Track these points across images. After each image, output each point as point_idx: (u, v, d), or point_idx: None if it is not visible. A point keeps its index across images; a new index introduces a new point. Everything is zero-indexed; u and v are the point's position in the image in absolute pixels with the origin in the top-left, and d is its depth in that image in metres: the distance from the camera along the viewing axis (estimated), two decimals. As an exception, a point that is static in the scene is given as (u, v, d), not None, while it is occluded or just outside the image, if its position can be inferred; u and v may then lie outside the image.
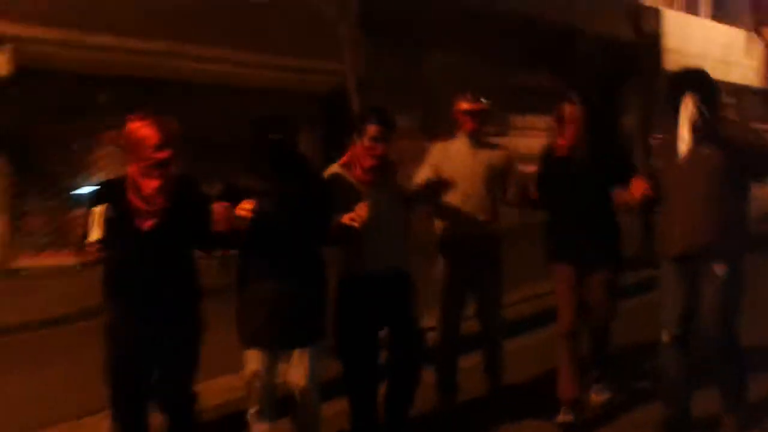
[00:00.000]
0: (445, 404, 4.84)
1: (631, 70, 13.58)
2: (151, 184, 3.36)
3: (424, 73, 13.10)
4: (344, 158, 4.11)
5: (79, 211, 9.49)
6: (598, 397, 4.81)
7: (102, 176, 9.76)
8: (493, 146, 4.83)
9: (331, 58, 9.09)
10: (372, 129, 3.96)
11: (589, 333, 4.70)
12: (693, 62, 5.14)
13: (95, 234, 3.17)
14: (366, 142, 3.96)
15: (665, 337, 4.01)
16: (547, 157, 4.65)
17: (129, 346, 3.44)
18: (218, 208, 3.39)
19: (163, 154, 3.33)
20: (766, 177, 3.94)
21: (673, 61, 16.05)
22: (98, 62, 9.05)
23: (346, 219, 3.69)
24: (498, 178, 4.69)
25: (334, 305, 4.06)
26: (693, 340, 4.01)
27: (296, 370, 3.71)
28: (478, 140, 4.71)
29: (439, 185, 4.60)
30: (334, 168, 4.10)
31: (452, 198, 4.63)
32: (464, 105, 4.63)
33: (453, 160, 4.63)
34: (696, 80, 3.77)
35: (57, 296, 7.87)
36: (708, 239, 3.71)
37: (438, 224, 4.78)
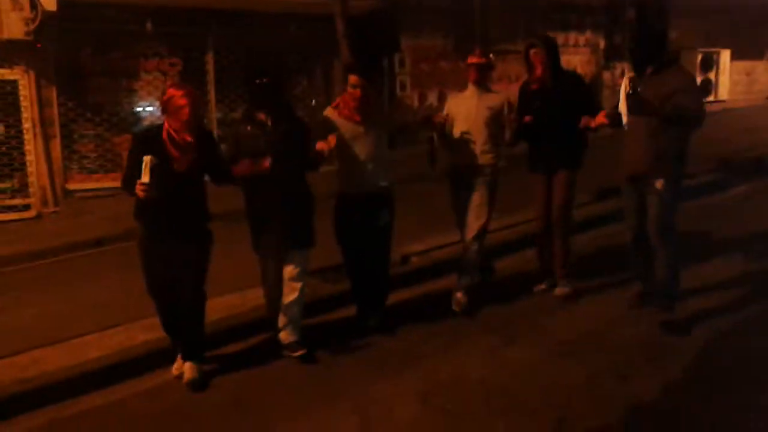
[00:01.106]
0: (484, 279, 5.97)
1: None
2: (185, 138, 4.26)
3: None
4: (336, 101, 5.06)
5: (123, 138, 10.14)
6: (561, 291, 5.74)
7: (146, 103, 10.43)
8: (495, 92, 5.57)
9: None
10: (352, 78, 4.87)
11: (554, 230, 5.62)
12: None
13: (145, 178, 4.01)
14: (349, 88, 4.89)
15: (628, 237, 5.30)
16: (524, 92, 5.61)
17: (159, 256, 4.40)
18: (238, 168, 4.51)
19: (192, 124, 4.25)
20: (693, 127, 4.77)
21: None
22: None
23: (318, 146, 4.60)
24: (497, 119, 5.43)
25: (333, 213, 5.16)
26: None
27: (287, 270, 4.77)
28: (482, 88, 5.48)
29: (442, 124, 5.43)
30: (328, 110, 5.07)
31: (458, 134, 5.45)
32: (471, 59, 5.44)
33: (461, 105, 5.50)
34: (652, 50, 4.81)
35: (109, 216, 8.46)
36: (649, 165, 4.86)
37: (447, 155, 5.59)
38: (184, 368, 4.55)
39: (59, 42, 9.26)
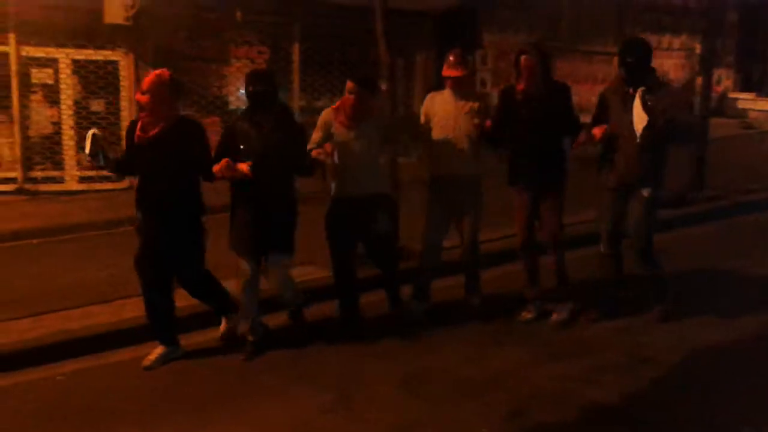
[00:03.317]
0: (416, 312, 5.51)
1: None
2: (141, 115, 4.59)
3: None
4: (337, 103, 5.00)
5: (211, 119, 10.71)
6: (558, 316, 5.35)
7: (233, 89, 11.00)
8: (472, 95, 5.31)
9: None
10: (349, 84, 4.87)
11: (549, 251, 5.40)
12: None
13: (87, 149, 4.46)
14: (346, 93, 4.89)
15: (602, 249, 5.32)
16: (507, 98, 5.25)
17: (148, 237, 4.65)
18: (218, 168, 4.43)
19: (142, 98, 4.45)
20: (685, 142, 5.11)
21: None
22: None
23: (314, 153, 4.67)
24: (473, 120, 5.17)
25: (326, 215, 5.10)
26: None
27: (273, 277, 4.87)
28: (459, 92, 5.19)
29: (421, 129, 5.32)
30: (328, 111, 5.04)
31: (437, 140, 5.24)
32: (446, 70, 5.14)
33: (438, 108, 5.25)
34: (644, 64, 4.93)
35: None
36: (640, 175, 4.98)
37: (427, 161, 5.42)
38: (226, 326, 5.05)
39: (156, 27, 9.91)
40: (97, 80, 10.10)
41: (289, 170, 4.75)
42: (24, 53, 9.70)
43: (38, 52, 9.82)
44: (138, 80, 10.07)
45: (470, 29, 12.06)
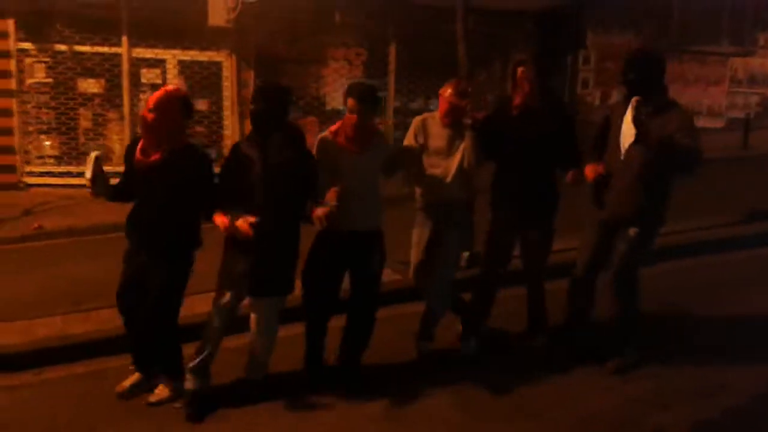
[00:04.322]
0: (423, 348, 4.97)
1: None
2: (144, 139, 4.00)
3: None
4: (336, 125, 4.36)
5: (308, 120, 10.96)
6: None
7: (330, 90, 11.19)
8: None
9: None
10: (350, 102, 4.18)
11: (528, 286, 5.00)
12: None
13: (87, 173, 3.95)
14: (347, 112, 4.24)
15: (578, 273, 4.77)
16: (501, 110, 4.81)
17: (131, 265, 4.13)
18: (219, 220, 3.91)
19: (148, 116, 3.87)
20: (689, 171, 4.23)
21: None
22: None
23: (315, 215, 3.93)
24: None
25: (310, 247, 4.37)
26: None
27: (255, 314, 4.21)
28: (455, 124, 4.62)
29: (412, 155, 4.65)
30: (325, 134, 4.37)
31: (427, 168, 4.65)
32: (446, 91, 4.53)
33: (432, 131, 4.65)
34: (649, 82, 4.28)
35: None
36: (630, 213, 4.42)
37: (417, 190, 4.81)
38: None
39: (257, 29, 10.21)
40: (201, 81, 10.52)
41: (291, 203, 4.07)
42: (135, 54, 10.24)
43: (148, 54, 10.33)
44: (239, 81, 10.46)
45: (573, 28, 11.72)
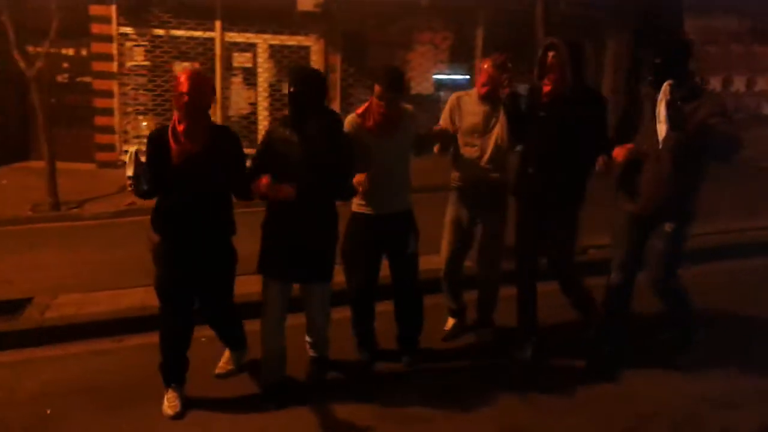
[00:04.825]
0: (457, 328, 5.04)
1: None
2: (183, 127, 3.74)
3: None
4: (362, 108, 4.31)
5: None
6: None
7: (416, 75, 11.18)
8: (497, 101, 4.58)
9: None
10: (377, 89, 4.13)
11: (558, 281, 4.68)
12: None
13: (129, 171, 3.67)
14: (374, 99, 4.18)
15: (612, 278, 4.46)
16: (532, 97, 4.55)
17: (176, 262, 3.93)
18: (259, 184, 3.77)
19: (181, 100, 3.65)
20: (728, 159, 3.98)
21: None
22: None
23: (354, 180, 3.96)
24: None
25: (344, 234, 4.38)
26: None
27: (309, 302, 4.21)
28: (491, 99, 4.57)
29: (444, 136, 4.62)
30: (352, 117, 4.32)
31: (462, 147, 4.67)
32: (487, 64, 4.52)
33: (466, 109, 4.65)
34: (676, 67, 4.03)
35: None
36: (666, 205, 4.17)
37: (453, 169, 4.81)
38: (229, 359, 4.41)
39: (344, 13, 10.33)
40: (290, 64, 10.73)
41: (330, 186, 3.99)
42: (227, 39, 10.57)
43: (239, 38, 10.65)
44: (327, 65, 10.62)
45: (670, 12, 11.24)
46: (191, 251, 3.87)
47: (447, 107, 4.72)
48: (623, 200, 4.34)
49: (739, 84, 12.21)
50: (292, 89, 3.85)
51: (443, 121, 4.71)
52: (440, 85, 11.38)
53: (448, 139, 4.60)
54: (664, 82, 3.93)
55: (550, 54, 4.30)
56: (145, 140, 3.84)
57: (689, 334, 4.55)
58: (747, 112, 12.26)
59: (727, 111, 4.07)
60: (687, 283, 4.46)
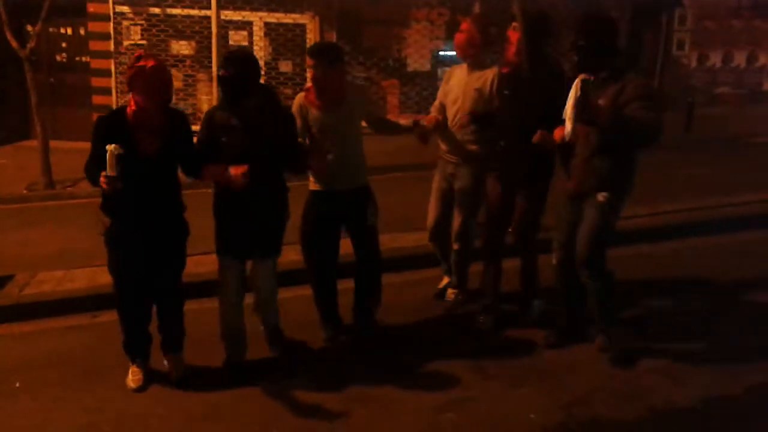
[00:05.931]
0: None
1: None
2: (154, 118, 3.77)
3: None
4: (308, 83, 4.39)
5: (390, 82, 11.03)
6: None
7: (412, 52, 11.18)
8: (487, 69, 4.63)
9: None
10: (308, 60, 4.25)
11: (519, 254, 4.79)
12: None
13: (110, 171, 3.53)
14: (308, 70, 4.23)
15: (555, 258, 4.46)
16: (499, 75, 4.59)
17: (131, 247, 3.93)
18: (211, 170, 3.88)
19: (161, 100, 3.74)
20: (642, 146, 4.01)
21: None
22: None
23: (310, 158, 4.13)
24: (484, 101, 4.62)
25: (303, 213, 4.45)
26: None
27: (258, 274, 4.26)
28: (474, 65, 4.65)
29: (420, 133, 4.54)
30: (300, 95, 4.40)
31: (451, 119, 4.75)
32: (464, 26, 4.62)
33: (453, 83, 4.76)
34: (601, 49, 3.98)
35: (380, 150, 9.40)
36: (594, 185, 4.11)
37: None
38: (172, 363, 4.24)
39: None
40: (286, 42, 10.80)
41: (277, 164, 4.07)
42: (223, 17, 10.58)
43: (236, 16, 10.70)
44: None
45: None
46: (144, 231, 3.90)
47: (442, 82, 4.88)
48: (564, 180, 4.36)
49: (739, 59, 12.09)
50: (221, 72, 3.83)
51: (437, 100, 4.84)
52: (438, 62, 11.38)
53: (425, 136, 4.55)
54: (588, 65, 3.90)
55: (511, 26, 4.34)
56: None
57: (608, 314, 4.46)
58: (747, 88, 12.12)
59: (652, 94, 4.04)
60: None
